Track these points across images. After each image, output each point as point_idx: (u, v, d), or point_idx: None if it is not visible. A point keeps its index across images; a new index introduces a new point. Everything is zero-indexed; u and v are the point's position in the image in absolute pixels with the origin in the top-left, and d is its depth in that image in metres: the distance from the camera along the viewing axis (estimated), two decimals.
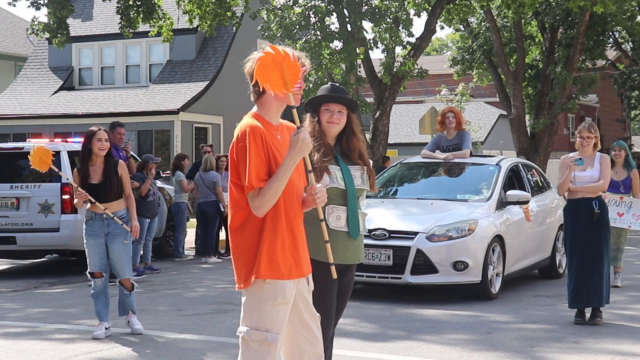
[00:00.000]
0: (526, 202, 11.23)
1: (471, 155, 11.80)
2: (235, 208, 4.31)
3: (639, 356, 7.51)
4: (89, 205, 8.37)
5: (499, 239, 10.54)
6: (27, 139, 17.85)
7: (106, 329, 8.43)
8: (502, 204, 10.93)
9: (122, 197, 8.49)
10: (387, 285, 10.49)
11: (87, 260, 8.50)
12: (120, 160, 8.69)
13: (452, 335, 8.33)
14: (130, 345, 8.00)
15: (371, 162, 5.50)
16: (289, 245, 4.30)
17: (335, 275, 4.64)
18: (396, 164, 12.54)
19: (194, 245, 16.60)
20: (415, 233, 10.06)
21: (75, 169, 8.60)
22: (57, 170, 8.58)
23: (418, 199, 11.18)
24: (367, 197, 5.50)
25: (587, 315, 8.91)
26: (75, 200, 8.38)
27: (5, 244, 13.29)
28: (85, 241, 8.46)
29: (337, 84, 5.44)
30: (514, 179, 11.74)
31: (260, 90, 4.31)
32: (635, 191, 11.16)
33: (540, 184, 12.79)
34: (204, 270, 14.11)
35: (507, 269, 10.77)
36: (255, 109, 4.40)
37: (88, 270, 8.51)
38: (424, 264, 10.00)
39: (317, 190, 4.37)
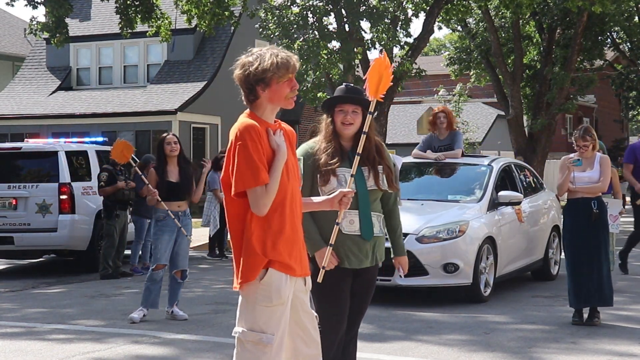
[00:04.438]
0: (518, 203, 11.07)
1: (463, 155, 11.73)
2: (232, 207, 4.26)
3: (636, 357, 7.51)
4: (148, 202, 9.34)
5: (490, 240, 10.39)
6: (25, 139, 17.83)
7: (144, 315, 9.13)
8: (494, 205, 10.77)
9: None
10: (376, 287, 10.33)
11: (154, 253, 9.18)
12: (192, 163, 9.58)
13: (449, 335, 8.33)
14: (127, 345, 7.99)
15: None
16: (290, 243, 4.26)
17: (320, 280, 4.69)
18: None
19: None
20: (405, 234, 9.76)
21: (152, 168, 9.40)
22: (134, 164, 9.30)
23: (408, 199, 10.92)
24: None
25: (585, 315, 8.92)
26: (148, 198, 9.18)
27: (3, 244, 13.29)
28: (157, 237, 9.11)
29: (352, 85, 5.35)
30: (506, 180, 11.56)
31: (256, 97, 4.29)
32: (616, 190, 11.07)
33: (534, 185, 12.61)
34: (201, 270, 14.10)
35: (499, 271, 10.60)
36: (249, 110, 4.37)
37: (157, 263, 9.10)
38: (414, 266, 9.73)
39: (348, 193, 4.50)
